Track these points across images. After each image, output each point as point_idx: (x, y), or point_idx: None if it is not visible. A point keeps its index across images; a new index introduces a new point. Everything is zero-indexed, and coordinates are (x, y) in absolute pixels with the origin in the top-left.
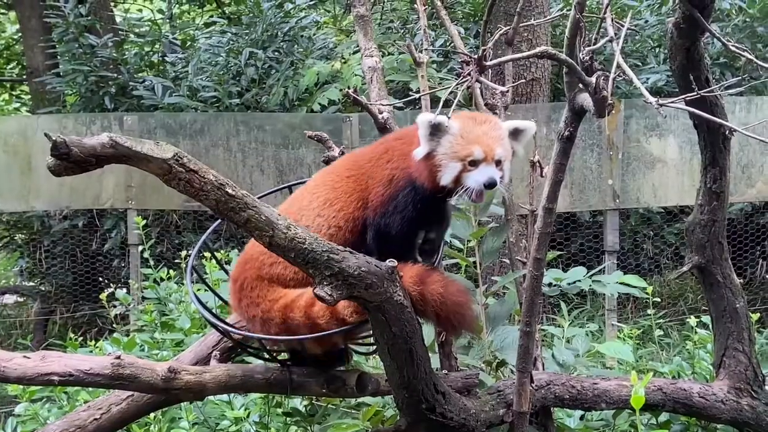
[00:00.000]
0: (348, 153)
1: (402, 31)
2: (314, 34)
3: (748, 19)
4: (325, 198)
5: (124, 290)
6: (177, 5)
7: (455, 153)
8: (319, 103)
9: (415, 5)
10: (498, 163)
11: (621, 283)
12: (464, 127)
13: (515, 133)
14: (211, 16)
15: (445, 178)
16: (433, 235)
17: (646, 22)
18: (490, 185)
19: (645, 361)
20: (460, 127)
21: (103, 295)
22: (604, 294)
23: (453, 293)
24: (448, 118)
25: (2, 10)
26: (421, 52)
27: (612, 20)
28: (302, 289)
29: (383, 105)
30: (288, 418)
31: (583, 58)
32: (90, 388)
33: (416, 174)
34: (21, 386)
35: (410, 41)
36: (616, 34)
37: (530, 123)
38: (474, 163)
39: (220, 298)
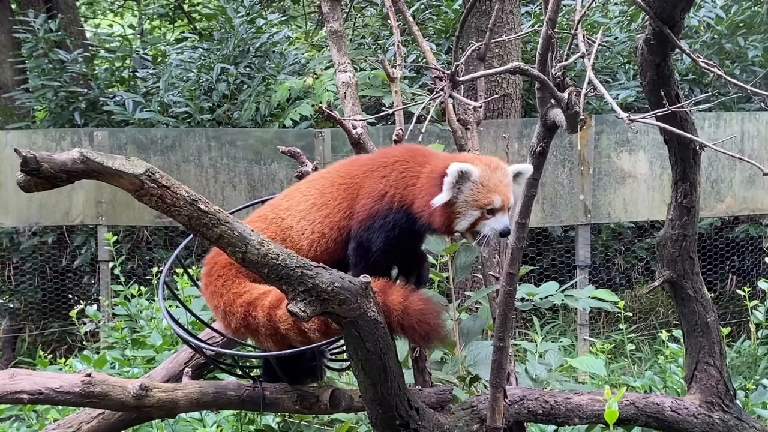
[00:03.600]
0: (347, 159)
1: (374, 46)
2: (286, 50)
3: (716, 36)
4: (314, 202)
5: (95, 307)
6: (148, 21)
7: (476, 201)
8: (291, 119)
9: (388, 21)
10: (504, 211)
11: (593, 298)
12: (483, 175)
13: (516, 176)
14: (183, 32)
15: (462, 225)
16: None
17: (616, 38)
18: (505, 234)
19: (617, 376)
20: (480, 175)
21: (73, 312)
22: (576, 309)
23: (414, 302)
24: (422, 133)
25: None
26: (394, 67)
27: (583, 36)
28: (268, 287)
29: (357, 120)
30: None
31: (555, 73)
32: (60, 407)
33: (427, 216)
34: None
35: (383, 56)
36: (587, 50)
37: (528, 166)
38: (492, 212)
39: (192, 313)
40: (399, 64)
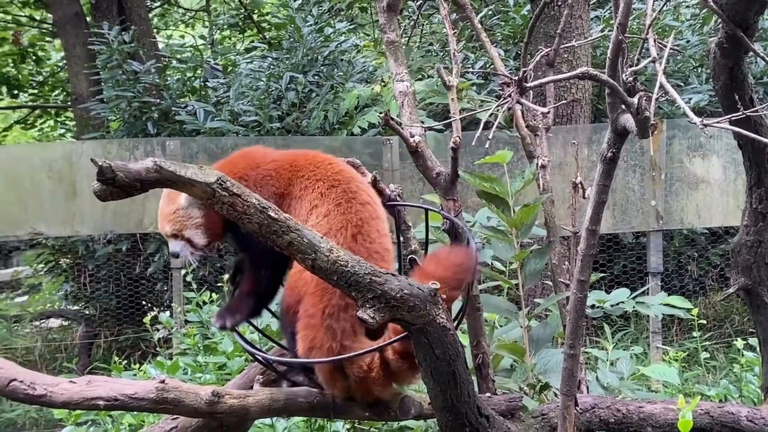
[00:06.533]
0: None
1: (441, 53)
2: (354, 58)
3: None
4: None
5: (167, 314)
6: (218, 31)
7: None
8: (359, 126)
9: (454, 28)
10: (176, 236)
11: (665, 305)
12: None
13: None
14: (252, 41)
15: None
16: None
17: (688, 42)
18: (173, 256)
19: (691, 384)
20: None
21: (146, 319)
22: (648, 316)
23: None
24: (490, 139)
25: (48, 38)
26: (452, 75)
27: (654, 40)
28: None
29: (416, 127)
30: None
31: (626, 78)
32: (134, 412)
33: None
34: (66, 410)
35: (445, 64)
36: (658, 54)
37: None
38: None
39: (260, 331)
40: (458, 72)
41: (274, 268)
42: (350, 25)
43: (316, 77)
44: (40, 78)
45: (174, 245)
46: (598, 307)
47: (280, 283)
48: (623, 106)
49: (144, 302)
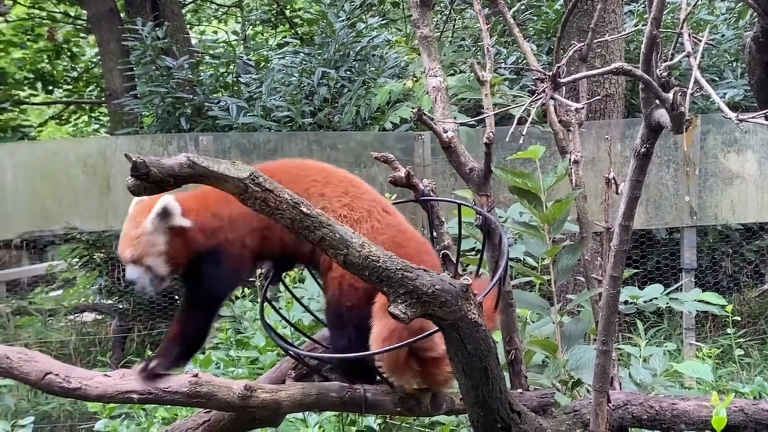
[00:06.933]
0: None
1: (473, 48)
2: (386, 53)
3: None
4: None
5: None
6: (251, 26)
7: None
8: (391, 122)
9: (480, 24)
10: (135, 262)
11: (699, 301)
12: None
13: (164, 215)
14: (284, 37)
15: None
16: None
17: (723, 36)
18: (129, 283)
19: (725, 381)
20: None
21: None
22: (681, 312)
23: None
24: (523, 135)
25: (82, 34)
26: (485, 70)
27: (689, 35)
28: None
29: (450, 122)
30: None
31: (660, 73)
32: (168, 405)
33: None
34: (100, 403)
35: (477, 59)
36: (693, 48)
37: (165, 199)
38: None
39: (292, 325)
40: (491, 67)
41: (209, 313)
42: (382, 20)
43: (348, 72)
44: (75, 74)
45: (132, 271)
46: (630, 303)
47: (207, 332)
48: (657, 102)
49: (177, 296)
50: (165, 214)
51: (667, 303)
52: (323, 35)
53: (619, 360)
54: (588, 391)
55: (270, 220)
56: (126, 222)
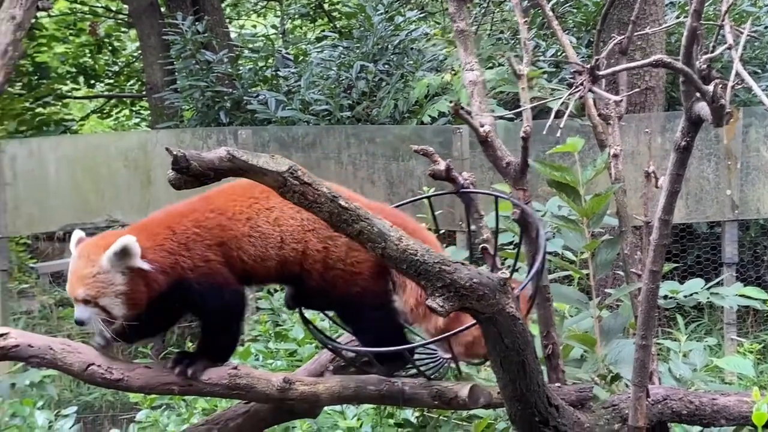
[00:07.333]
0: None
1: (512, 41)
2: (424, 47)
3: None
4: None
5: None
6: (290, 20)
7: None
8: (429, 115)
9: (518, 18)
10: (87, 302)
11: (741, 296)
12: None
13: (123, 254)
14: (323, 31)
15: None
16: None
17: (766, 27)
18: (77, 323)
19: (766, 377)
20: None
21: None
22: (722, 307)
23: None
24: (561, 128)
25: (123, 29)
26: (522, 63)
27: (731, 27)
28: None
29: (487, 116)
30: (400, 429)
31: (701, 66)
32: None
33: None
34: (142, 394)
35: (515, 52)
36: (734, 41)
37: (127, 238)
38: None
39: (330, 318)
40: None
41: (227, 327)
42: (420, 13)
43: (386, 66)
44: (116, 68)
45: (82, 311)
46: (670, 297)
47: (236, 339)
48: (698, 94)
49: None
50: (124, 253)
51: (708, 298)
52: (362, 29)
53: (658, 355)
54: (627, 385)
55: (225, 236)
56: (75, 259)
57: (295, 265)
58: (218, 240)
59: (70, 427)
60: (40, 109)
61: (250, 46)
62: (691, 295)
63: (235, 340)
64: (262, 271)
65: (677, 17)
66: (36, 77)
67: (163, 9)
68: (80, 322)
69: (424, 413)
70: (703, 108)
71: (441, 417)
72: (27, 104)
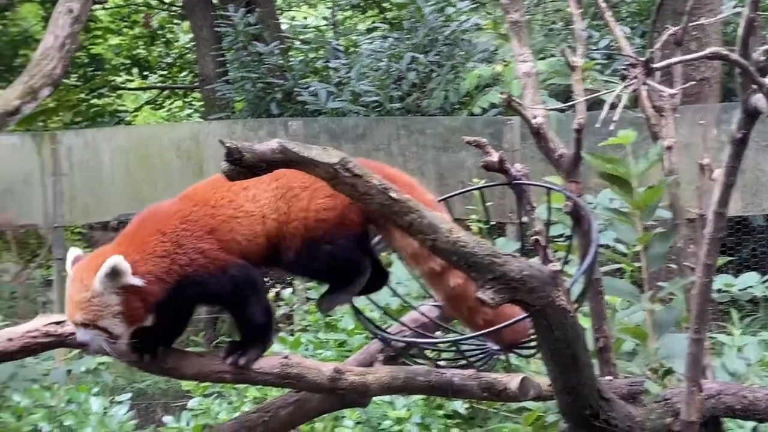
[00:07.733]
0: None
1: (565, 32)
2: (475, 38)
3: None
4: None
5: (290, 290)
6: (341, 12)
7: None
8: (480, 107)
9: (572, 8)
10: (87, 326)
11: None
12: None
13: (113, 274)
14: (373, 22)
15: None
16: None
17: None
18: (80, 346)
19: None
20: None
21: (269, 296)
22: None
23: None
24: (614, 121)
25: (176, 21)
26: (576, 55)
27: None
28: None
29: (539, 108)
30: (449, 420)
31: (757, 57)
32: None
33: None
34: (194, 382)
35: (568, 43)
36: None
37: (114, 259)
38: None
39: (380, 308)
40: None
41: (252, 301)
42: (472, 4)
43: (436, 57)
44: (169, 60)
45: (83, 334)
46: (724, 291)
47: (270, 312)
48: (755, 86)
49: (267, 279)
50: (114, 274)
51: (764, 292)
52: (412, 20)
53: (712, 349)
54: (679, 380)
55: (215, 222)
56: (69, 284)
57: (279, 238)
58: (209, 228)
59: (125, 414)
60: (94, 101)
61: (301, 37)
62: (746, 288)
63: (269, 314)
64: (256, 251)
65: (734, 7)
66: (91, 69)
67: (215, 1)
68: (84, 345)
69: (473, 405)
70: (759, 100)
71: (490, 409)
72: (82, 95)
